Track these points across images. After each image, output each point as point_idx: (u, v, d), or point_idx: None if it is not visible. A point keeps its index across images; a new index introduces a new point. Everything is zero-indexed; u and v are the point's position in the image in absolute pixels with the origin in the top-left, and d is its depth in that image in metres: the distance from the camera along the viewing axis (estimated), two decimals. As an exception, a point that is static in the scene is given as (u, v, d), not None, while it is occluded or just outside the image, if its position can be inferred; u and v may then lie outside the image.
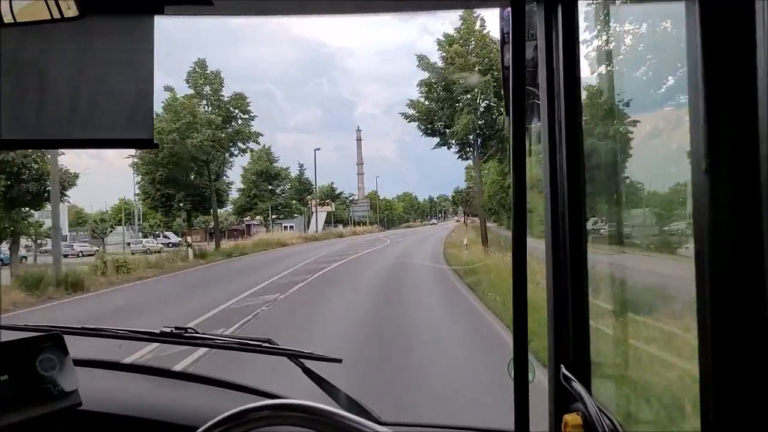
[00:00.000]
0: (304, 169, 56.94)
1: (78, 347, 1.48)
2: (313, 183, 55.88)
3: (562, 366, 1.12)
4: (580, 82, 1.12)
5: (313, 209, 60.40)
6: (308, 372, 1.50)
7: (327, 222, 64.50)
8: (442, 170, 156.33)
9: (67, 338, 1.42)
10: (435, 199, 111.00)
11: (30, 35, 1.15)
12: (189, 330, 1.60)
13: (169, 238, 50.72)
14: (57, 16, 1.08)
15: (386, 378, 6.10)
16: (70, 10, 1.07)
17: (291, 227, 55.01)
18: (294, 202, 52.17)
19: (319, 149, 58.35)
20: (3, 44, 1.14)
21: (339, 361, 1.51)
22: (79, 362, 1.42)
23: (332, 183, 71.01)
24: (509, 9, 0.91)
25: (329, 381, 1.48)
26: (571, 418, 1.01)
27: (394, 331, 8.85)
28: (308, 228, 56.54)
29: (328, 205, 63.54)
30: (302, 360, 1.51)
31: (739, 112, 0.62)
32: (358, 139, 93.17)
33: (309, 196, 55.20)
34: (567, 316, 1.13)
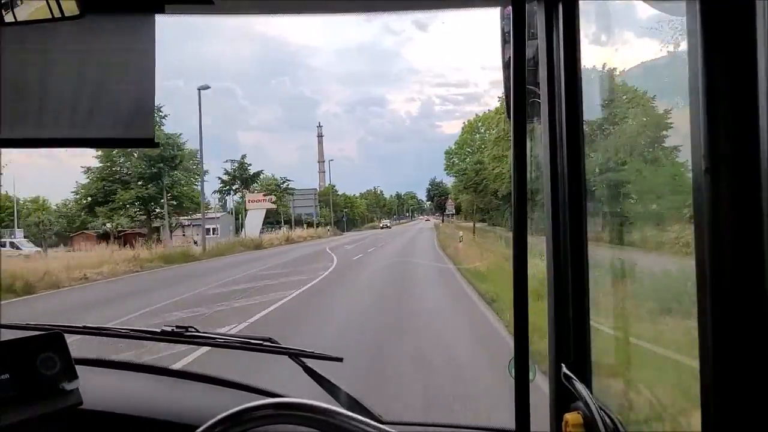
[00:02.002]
0: (164, 116, 32.66)
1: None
2: (197, 154, 33.35)
3: (562, 365, 1.12)
4: (580, 82, 1.12)
5: (248, 205, 44.49)
6: (309, 371, 1.50)
7: (271, 222, 48.74)
8: (407, 168, 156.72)
9: (68, 337, 1.42)
10: (403, 196, 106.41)
11: (30, 35, 1.15)
12: (190, 329, 1.62)
13: (20, 248, 29.86)
14: (58, 15, 1.08)
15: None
16: (71, 10, 1.07)
17: (214, 230, 39.61)
18: (151, 187, 32.17)
19: (208, 88, 31.74)
20: (3, 44, 1.14)
21: (340, 360, 1.51)
22: (79, 361, 1.43)
23: (244, 156, 49.40)
24: (510, 8, 0.91)
25: (330, 380, 1.49)
26: (572, 417, 1.01)
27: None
28: (242, 230, 42.00)
29: (246, 196, 46.29)
30: (303, 359, 1.51)
31: (739, 111, 0.62)
32: (319, 136, 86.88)
33: (179, 171, 34.40)
34: (568, 315, 1.13)
